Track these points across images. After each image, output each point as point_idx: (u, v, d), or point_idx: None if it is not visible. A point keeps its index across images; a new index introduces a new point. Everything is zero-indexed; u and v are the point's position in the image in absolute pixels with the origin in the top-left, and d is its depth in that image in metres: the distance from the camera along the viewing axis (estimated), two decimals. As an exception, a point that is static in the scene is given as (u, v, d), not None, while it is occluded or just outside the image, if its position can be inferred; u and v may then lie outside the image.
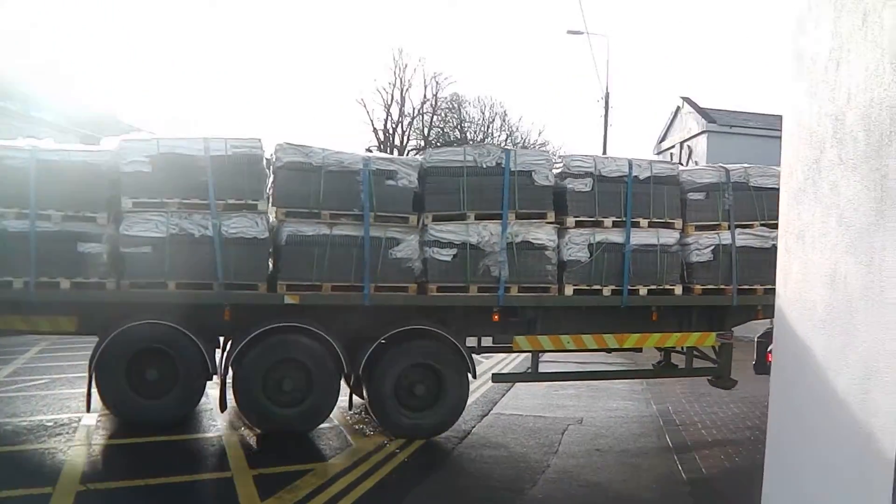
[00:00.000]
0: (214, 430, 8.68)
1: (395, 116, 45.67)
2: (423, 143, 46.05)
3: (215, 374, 8.29)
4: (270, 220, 8.46)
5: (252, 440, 8.28)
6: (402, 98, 45.54)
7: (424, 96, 46.54)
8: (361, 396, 8.80)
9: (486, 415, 9.63)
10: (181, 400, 8.23)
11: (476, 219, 8.44)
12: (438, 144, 46.09)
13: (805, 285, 4.47)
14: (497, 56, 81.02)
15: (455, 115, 49.29)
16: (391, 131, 45.34)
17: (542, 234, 8.51)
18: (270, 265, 8.49)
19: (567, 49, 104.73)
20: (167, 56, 71.64)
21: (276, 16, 74.28)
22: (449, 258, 8.39)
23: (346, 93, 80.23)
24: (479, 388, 10.60)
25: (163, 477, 6.86)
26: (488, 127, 49.97)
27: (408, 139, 46.28)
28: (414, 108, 46.38)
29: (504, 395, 10.72)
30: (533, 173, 8.53)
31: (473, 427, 9.07)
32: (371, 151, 41.89)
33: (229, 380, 8.29)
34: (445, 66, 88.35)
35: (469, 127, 49.56)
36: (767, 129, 25.00)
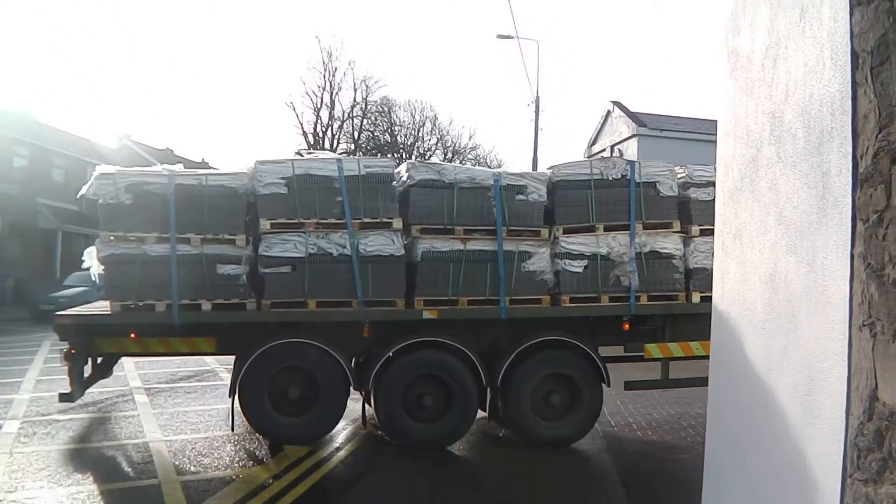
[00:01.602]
0: (141, 437, 8.59)
1: (325, 120, 45.81)
2: (353, 147, 46.24)
3: (356, 390, 8.37)
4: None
5: (180, 446, 8.23)
6: (332, 101, 45.79)
7: (354, 100, 46.83)
8: (493, 416, 8.88)
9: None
10: (323, 417, 8.29)
11: (605, 230, 8.60)
12: (369, 148, 46.38)
13: (744, 285, 4.35)
14: (428, 60, 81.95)
15: (385, 119, 49.50)
16: (321, 135, 45.37)
17: (669, 243, 8.69)
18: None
19: (497, 53, 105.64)
20: (85, 56, 71.87)
21: (205, 15, 74.71)
22: (581, 269, 8.54)
23: (276, 96, 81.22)
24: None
25: (87, 484, 6.78)
26: (419, 131, 50.43)
27: (338, 143, 46.29)
28: (344, 112, 46.59)
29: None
30: (657, 184, 8.70)
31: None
32: (301, 154, 41.96)
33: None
34: (376, 69, 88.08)
35: (399, 131, 49.90)
36: (697, 132, 25.23)
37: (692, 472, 6.08)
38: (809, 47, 3.52)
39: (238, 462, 7.73)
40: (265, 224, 8.17)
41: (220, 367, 13.77)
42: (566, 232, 8.58)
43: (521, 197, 8.55)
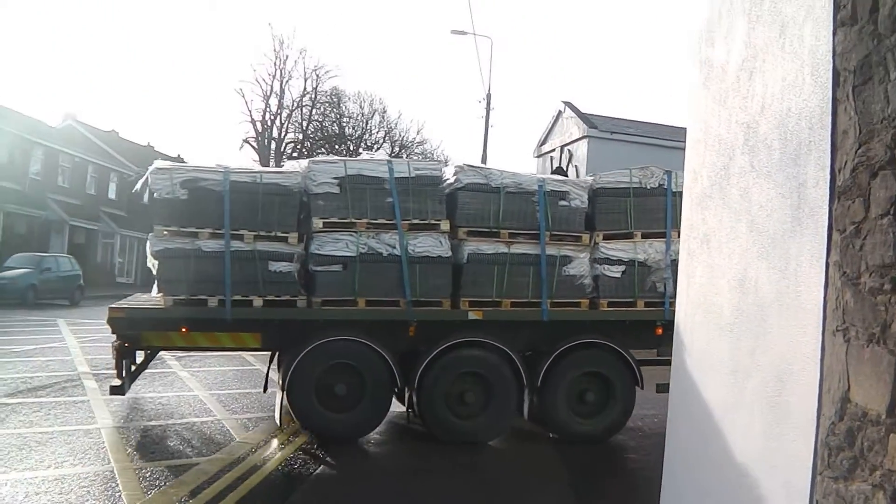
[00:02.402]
0: (93, 423, 8.59)
1: (274, 108, 45.01)
2: (301, 137, 45.90)
3: (400, 388, 8.56)
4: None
5: (134, 434, 8.27)
6: (282, 90, 45.00)
7: (304, 89, 46.11)
8: (530, 415, 9.12)
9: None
10: (369, 413, 8.45)
11: (642, 237, 8.94)
12: (317, 138, 46.08)
13: (710, 288, 4.45)
14: (380, 51, 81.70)
15: (334, 110, 48.82)
16: (269, 123, 44.68)
17: (701, 251, 9.05)
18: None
19: (450, 48, 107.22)
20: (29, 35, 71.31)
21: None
22: (619, 274, 8.87)
23: (226, 81, 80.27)
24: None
25: (41, 470, 6.69)
26: (367, 123, 49.88)
27: (286, 132, 45.73)
28: (293, 101, 45.80)
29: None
30: (691, 194, 9.06)
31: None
32: (248, 143, 41.90)
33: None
34: (327, 59, 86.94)
35: (348, 122, 49.30)
36: (647, 136, 25.38)
37: (646, 472, 6.31)
38: (789, 62, 3.59)
39: (198, 449, 7.77)
40: (317, 223, 8.31)
41: (168, 354, 13.35)
42: (606, 238, 8.89)
43: (563, 203, 8.84)
